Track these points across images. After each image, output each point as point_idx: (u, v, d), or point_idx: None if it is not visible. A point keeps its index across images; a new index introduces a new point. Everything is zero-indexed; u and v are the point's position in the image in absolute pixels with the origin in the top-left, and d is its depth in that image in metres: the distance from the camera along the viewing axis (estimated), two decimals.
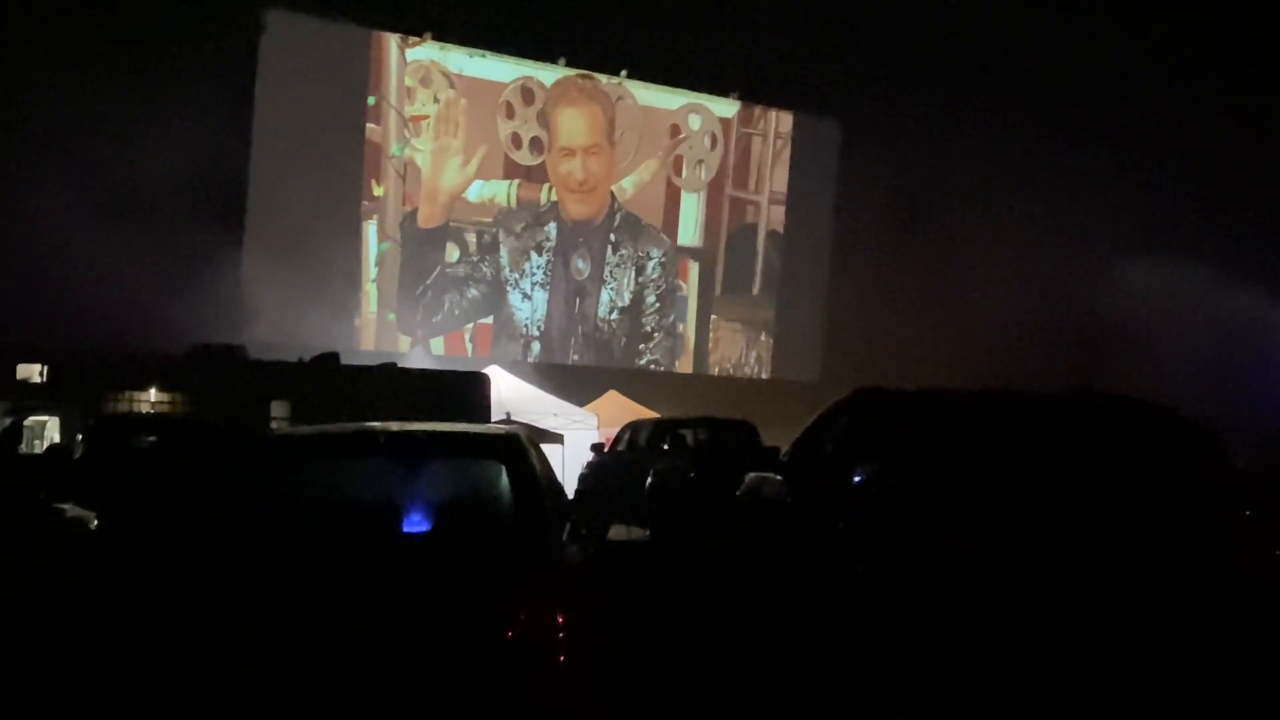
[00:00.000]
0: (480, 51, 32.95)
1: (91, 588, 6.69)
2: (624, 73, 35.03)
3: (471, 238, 33.25)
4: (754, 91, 37.11)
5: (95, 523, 9.43)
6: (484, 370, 24.66)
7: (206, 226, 26.26)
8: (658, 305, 36.34)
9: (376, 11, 31.41)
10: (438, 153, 32.49)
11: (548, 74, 34.27)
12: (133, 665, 5.12)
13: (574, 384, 29.78)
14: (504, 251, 33.54)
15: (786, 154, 38.46)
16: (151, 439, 14.27)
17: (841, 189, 37.63)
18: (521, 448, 6.49)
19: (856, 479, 7.83)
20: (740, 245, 38.18)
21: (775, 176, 38.41)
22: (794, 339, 38.48)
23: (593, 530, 13.94)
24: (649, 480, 15.84)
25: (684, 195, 37.09)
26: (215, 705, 4.97)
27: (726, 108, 37.42)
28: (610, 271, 35.37)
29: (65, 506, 9.61)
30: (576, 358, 34.86)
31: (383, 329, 32.21)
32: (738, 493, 9.98)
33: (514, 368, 28.93)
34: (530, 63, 33.90)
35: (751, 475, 9.86)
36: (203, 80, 26.23)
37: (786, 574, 8.20)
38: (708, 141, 37.21)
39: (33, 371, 19.38)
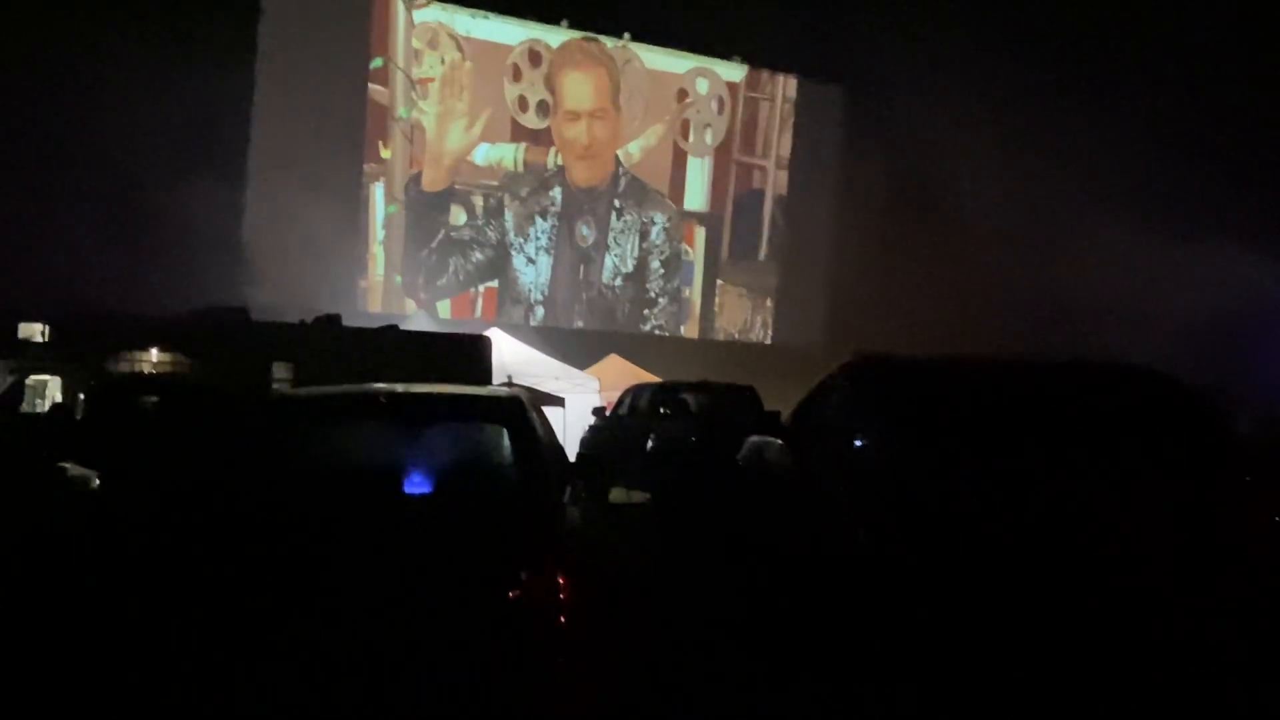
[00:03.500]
0: (484, 13, 32.79)
1: (93, 546, 6.72)
2: (627, 35, 34.85)
3: (478, 201, 33.16)
4: (760, 56, 36.93)
5: (97, 482, 9.45)
6: (486, 333, 24.63)
7: (210, 188, 26.17)
8: (663, 270, 36.27)
9: None
10: (443, 115, 32.37)
11: (554, 36, 34.11)
12: (134, 622, 5.13)
13: (576, 348, 29.75)
14: (509, 215, 33.47)
15: (794, 119, 38.32)
16: (154, 399, 14.27)
17: (847, 155, 37.48)
18: (523, 410, 6.50)
19: (857, 444, 7.83)
20: (747, 210, 38.06)
21: (782, 142, 38.28)
22: (797, 304, 38.39)
23: (594, 493, 13.99)
24: (650, 444, 15.88)
25: (690, 160, 36.95)
26: (218, 663, 4.99)
27: (734, 72, 37.23)
28: (615, 237, 35.28)
29: (67, 465, 9.62)
30: (580, 323, 34.82)
31: (389, 291, 32.18)
32: (738, 457, 10.00)
33: (516, 331, 28.90)
34: (536, 25, 33.72)
35: (752, 439, 9.87)
36: (205, 40, 26.14)
37: (786, 538, 8.22)
38: (715, 106, 37.05)
39: (34, 331, 19.34)
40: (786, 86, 38.13)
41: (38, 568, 7.14)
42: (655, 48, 35.55)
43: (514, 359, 25.12)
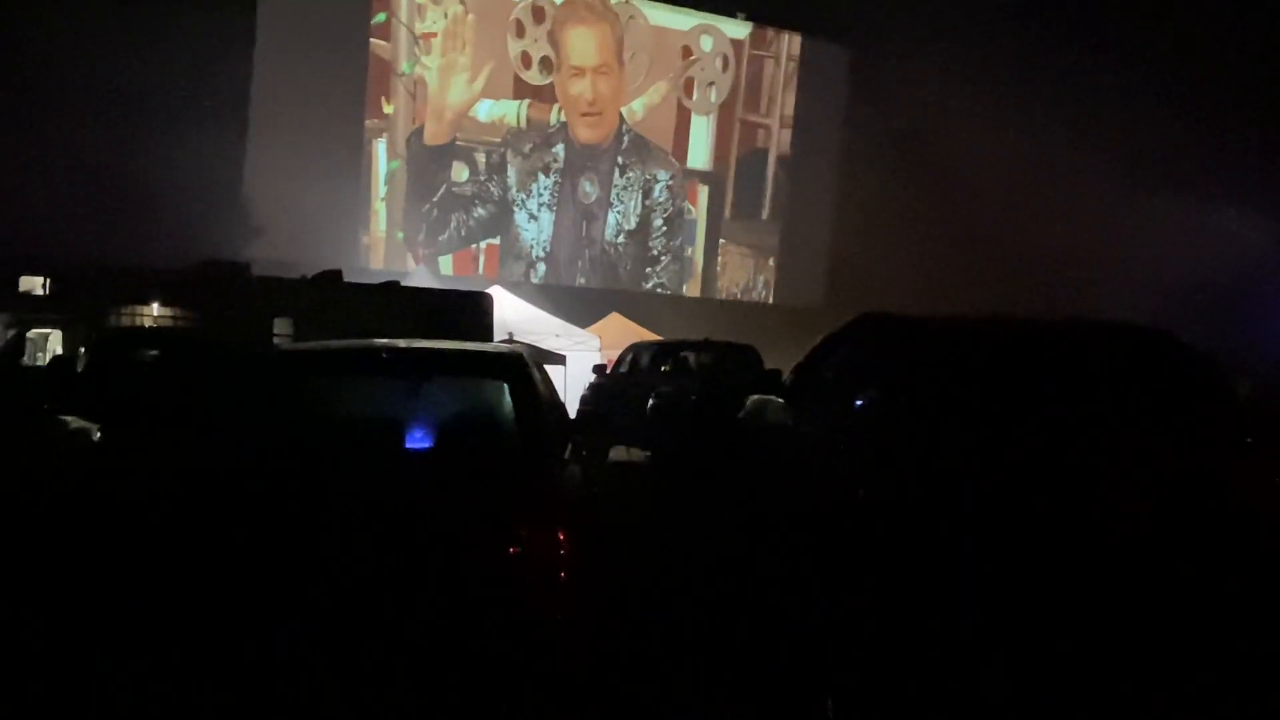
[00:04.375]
0: None
1: (95, 499, 6.73)
2: None
3: (480, 157, 33.09)
4: (764, 13, 36.76)
5: (98, 435, 9.45)
6: (487, 290, 24.61)
7: (212, 142, 26.11)
8: (665, 229, 36.22)
9: None
10: (445, 68, 32.25)
11: None
12: (136, 577, 5.14)
13: (577, 306, 29.77)
14: (511, 172, 33.40)
15: (798, 78, 38.18)
16: (155, 353, 14.27)
17: (850, 114, 37.38)
18: (525, 367, 6.49)
19: (858, 403, 7.83)
20: (750, 169, 37.99)
21: (786, 100, 38.15)
22: (799, 264, 38.39)
23: (594, 451, 14.00)
24: (650, 402, 15.87)
25: (694, 118, 36.86)
26: (222, 615, 5.01)
27: (738, 29, 37.07)
28: (618, 194, 35.22)
29: (69, 419, 9.63)
30: (582, 280, 34.80)
31: (391, 247, 32.16)
32: (739, 415, 9.99)
33: (517, 288, 28.92)
34: None
35: (753, 398, 9.86)
36: None
37: (787, 497, 8.23)
38: (719, 63, 36.91)
39: (35, 284, 19.35)
40: (791, 45, 37.99)
41: (38, 522, 7.15)
42: (659, 4, 35.42)
43: (515, 316, 25.13)
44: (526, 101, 33.54)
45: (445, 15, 32.16)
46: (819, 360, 8.89)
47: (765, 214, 38.46)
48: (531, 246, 34.10)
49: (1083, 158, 30.37)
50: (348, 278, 22.49)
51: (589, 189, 34.73)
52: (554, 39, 33.92)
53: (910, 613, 6.32)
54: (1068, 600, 6.06)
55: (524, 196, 33.74)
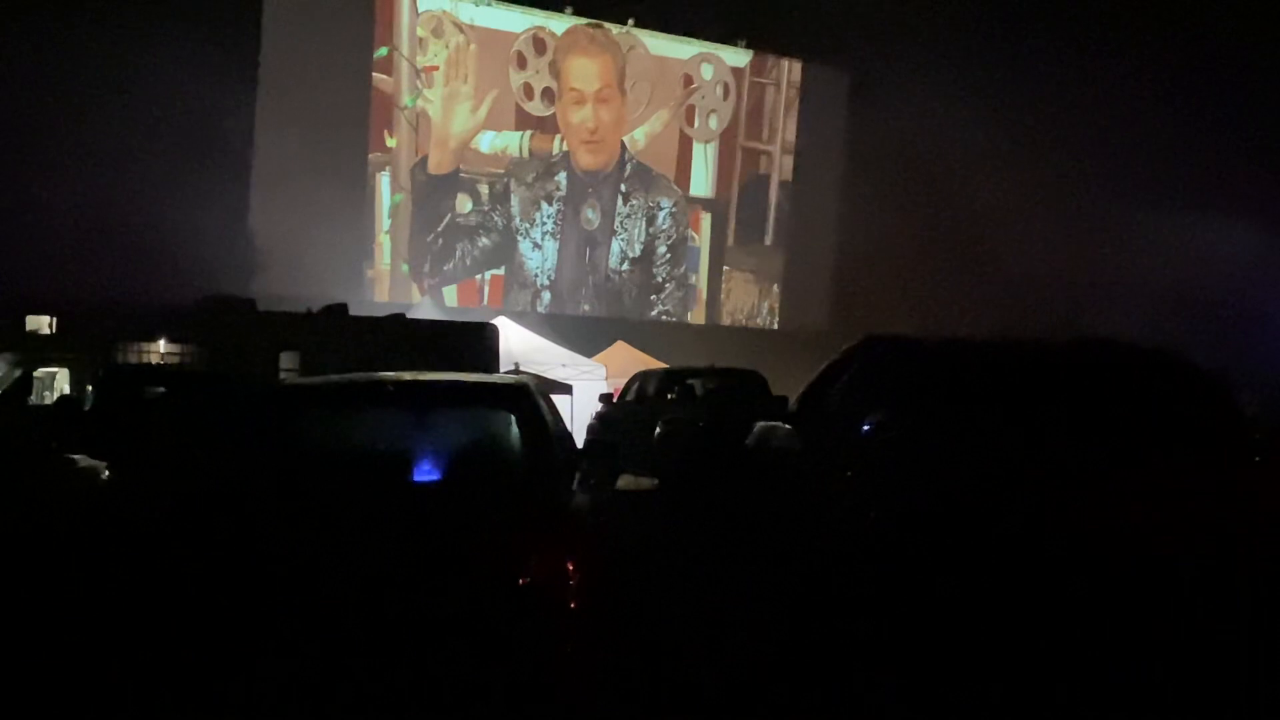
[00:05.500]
0: (487, 1, 32.75)
1: (103, 538, 6.72)
2: (631, 21, 34.79)
3: (483, 187, 33.16)
4: (764, 41, 36.86)
5: (106, 473, 9.46)
6: (492, 321, 24.64)
7: (216, 177, 26.21)
8: (669, 256, 36.26)
9: None
10: (448, 100, 32.35)
11: (558, 24, 34.06)
12: (145, 615, 5.14)
13: (583, 334, 29.79)
14: (515, 201, 33.46)
15: (799, 104, 38.27)
16: (161, 390, 14.31)
17: (851, 140, 37.44)
18: (531, 397, 6.51)
19: (865, 428, 7.83)
20: (752, 195, 38.03)
21: (787, 127, 38.25)
22: (803, 289, 38.38)
23: (601, 479, 13.97)
24: (657, 430, 15.87)
25: (696, 145, 36.92)
26: (230, 651, 5.00)
27: (739, 57, 37.18)
28: (621, 222, 35.26)
29: (76, 457, 9.63)
30: (586, 308, 34.81)
31: (396, 279, 32.21)
32: (747, 442, 9.99)
33: (522, 318, 28.95)
34: (539, 12, 33.69)
35: (760, 424, 9.86)
36: (211, 30, 26.13)
37: (796, 522, 8.22)
38: (720, 91, 37.00)
39: (42, 323, 19.40)
40: (791, 71, 38.09)
41: (46, 560, 7.15)
42: (660, 34, 35.50)
43: (521, 346, 25.16)
44: (529, 132, 33.63)
45: (447, 48, 32.29)
46: (825, 385, 8.90)
47: (768, 240, 38.49)
48: (536, 276, 34.13)
49: (1085, 177, 30.44)
50: (353, 311, 22.56)
51: (592, 218, 34.79)
52: (555, 70, 34.04)
53: (923, 632, 6.31)
54: (1078, 614, 6.05)
55: (528, 226, 33.80)
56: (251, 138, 29.24)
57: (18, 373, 16.80)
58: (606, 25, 34.68)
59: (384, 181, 31.93)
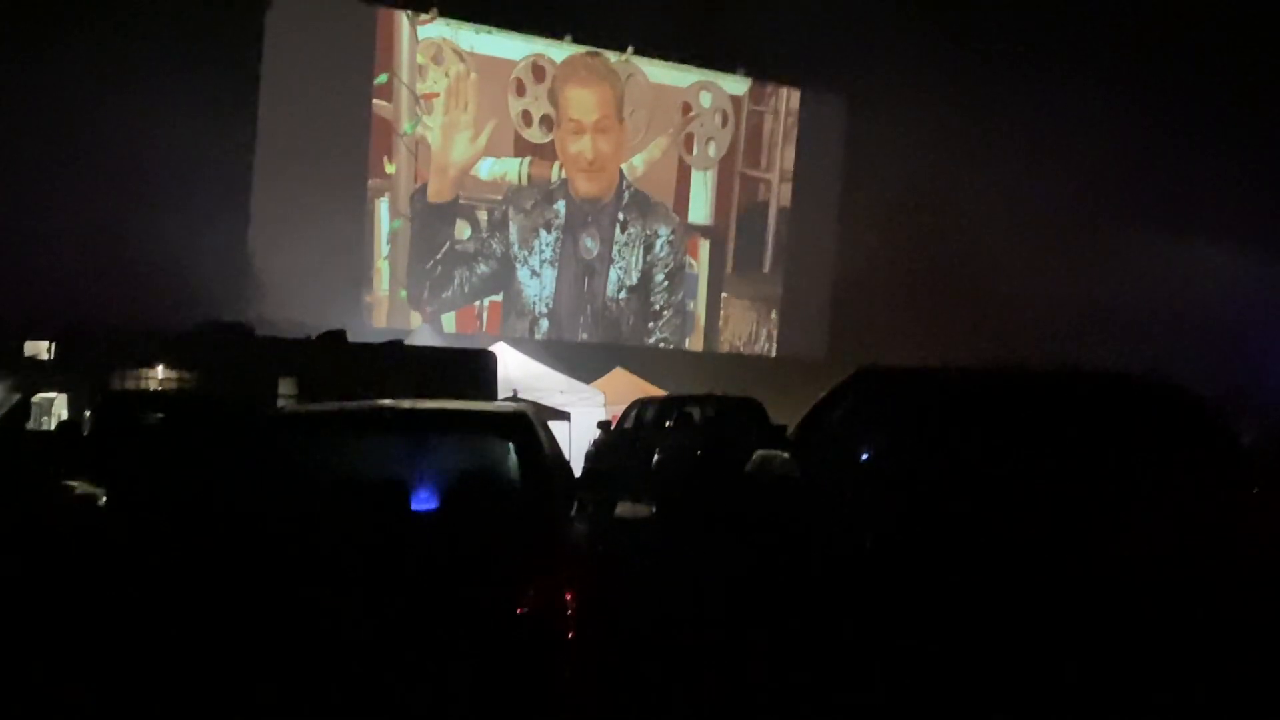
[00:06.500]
0: (488, 28, 32.88)
1: (101, 564, 6.72)
2: (630, 49, 34.89)
3: (482, 215, 33.19)
4: (762, 69, 36.97)
5: (104, 499, 9.46)
6: (490, 348, 24.64)
7: (215, 203, 26.27)
8: (667, 283, 36.27)
9: None
10: (447, 127, 32.43)
11: (558, 51, 34.15)
12: (143, 640, 5.14)
13: (581, 361, 29.79)
14: (513, 229, 33.49)
15: (797, 132, 38.35)
16: (160, 416, 14.30)
17: (850, 167, 37.52)
18: (529, 425, 6.51)
19: (863, 456, 7.84)
20: (751, 223, 38.05)
21: (785, 154, 38.32)
22: (802, 317, 38.38)
23: (600, 507, 13.98)
24: (655, 457, 15.88)
25: (694, 173, 36.97)
26: (226, 680, 5.00)
27: (737, 85, 37.28)
28: (619, 250, 35.28)
29: (74, 483, 9.63)
30: (585, 336, 34.81)
31: (394, 306, 32.23)
32: (745, 469, 9.99)
33: (521, 345, 28.94)
34: (538, 39, 33.79)
35: (759, 452, 9.87)
36: (210, 57, 26.22)
37: (794, 550, 8.22)
38: (719, 119, 37.08)
39: (40, 349, 19.39)
40: (789, 99, 38.18)
41: (44, 585, 7.14)
42: (658, 61, 35.59)
43: (519, 373, 25.15)
44: (528, 159, 33.69)
45: (447, 75, 32.39)
46: (823, 413, 8.92)
47: (767, 267, 38.51)
48: (534, 303, 34.14)
49: (1083, 204, 30.50)
50: (351, 337, 22.55)
51: (590, 245, 34.82)
52: (554, 97, 34.11)
53: (919, 659, 6.31)
54: (1074, 646, 6.05)
55: (526, 253, 33.83)
56: (251, 163, 29.31)
57: (16, 398, 16.80)
58: (605, 53, 34.78)
59: (383, 207, 31.98)
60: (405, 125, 32.02)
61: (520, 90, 33.58)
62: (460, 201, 32.73)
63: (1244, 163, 27.80)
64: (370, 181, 31.78)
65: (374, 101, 31.71)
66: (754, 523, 9.36)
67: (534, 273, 34.01)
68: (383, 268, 32.17)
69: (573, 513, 6.30)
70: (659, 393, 23.26)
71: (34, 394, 17.37)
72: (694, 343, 37.13)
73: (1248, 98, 27.73)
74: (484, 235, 33.22)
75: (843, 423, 8.55)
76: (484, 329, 32.71)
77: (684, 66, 36.13)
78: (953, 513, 6.50)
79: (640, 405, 19.53)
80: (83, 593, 6.30)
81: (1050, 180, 30.60)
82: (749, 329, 38.39)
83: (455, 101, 32.49)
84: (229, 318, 21.78)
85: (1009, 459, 6.71)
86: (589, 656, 5.25)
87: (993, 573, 6.22)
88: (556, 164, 34.16)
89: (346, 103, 31.15)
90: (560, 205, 34.25)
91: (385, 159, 31.90)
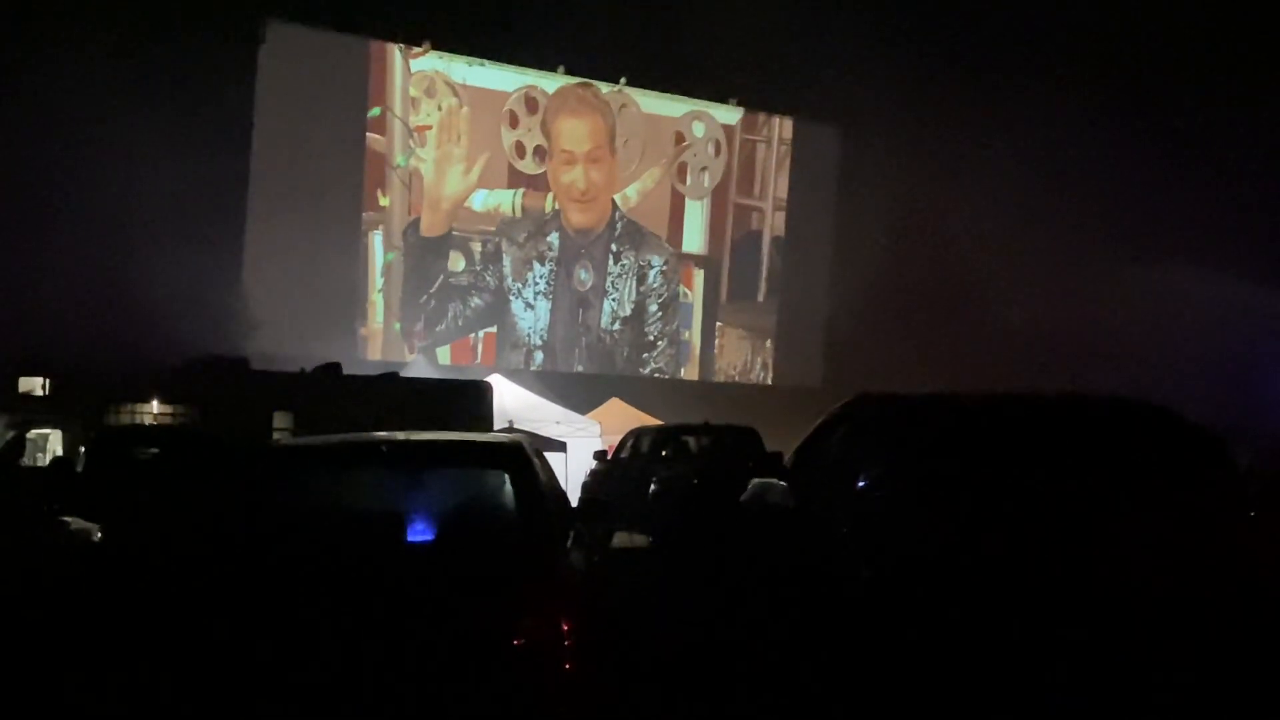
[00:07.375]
0: (480, 60, 32.99)
1: (96, 600, 6.70)
2: (623, 80, 35.01)
3: (476, 247, 33.23)
4: (755, 98, 37.10)
5: (99, 535, 9.42)
6: (486, 379, 24.63)
7: (209, 237, 26.28)
8: (661, 313, 36.28)
9: (372, 20, 31.31)
10: (441, 161, 32.51)
11: (550, 83, 34.25)
12: (138, 676, 5.12)
13: (576, 392, 29.79)
14: (507, 260, 33.53)
15: (790, 161, 38.44)
16: (155, 451, 14.25)
17: (843, 195, 37.60)
18: (525, 456, 6.50)
19: (860, 484, 7.83)
20: (745, 252, 38.11)
21: (779, 183, 38.41)
22: (797, 344, 38.41)
23: (596, 538, 13.93)
24: (652, 487, 15.84)
25: (688, 202, 37.03)
26: (220, 714, 4.98)
27: (730, 114, 37.39)
28: (613, 280, 35.31)
29: (69, 520, 9.59)
30: (580, 367, 34.81)
31: (389, 338, 32.22)
32: (742, 499, 9.98)
33: (516, 376, 28.93)
34: (531, 71, 33.88)
35: (755, 481, 9.85)
36: (204, 92, 26.29)
37: (791, 579, 8.20)
38: (711, 149, 37.17)
39: (35, 384, 19.36)
40: (782, 128, 38.29)
41: (40, 622, 7.11)
42: (651, 92, 35.70)
43: (515, 404, 25.14)
44: (521, 191, 33.75)
45: (440, 108, 32.48)
46: (819, 441, 8.91)
47: (761, 296, 38.55)
48: (528, 335, 34.16)
49: (1078, 233, 30.54)
50: (346, 370, 22.54)
51: (584, 276, 34.85)
52: (547, 129, 34.19)
53: (918, 688, 6.29)
54: (1071, 673, 6.04)
55: (520, 285, 33.86)
56: (245, 196, 29.32)
57: (11, 434, 16.76)
58: (597, 84, 34.89)
59: (377, 240, 32.02)
60: (399, 158, 32.09)
61: (513, 122, 33.66)
62: (454, 234, 32.79)
63: (1237, 191, 27.91)
64: (364, 214, 31.83)
65: (367, 135, 31.80)
66: (751, 552, 9.34)
67: (528, 305, 34.03)
68: (377, 300, 32.18)
69: (569, 543, 6.27)
70: (655, 422, 23.24)
71: (28, 430, 17.32)
72: (689, 372, 37.13)
73: (1248, 125, 27.81)
74: (478, 268, 33.26)
75: (838, 450, 8.54)
76: (479, 361, 32.71)
77: (676, 96, 36.25)
78: (950, 540, 6.49)
79: (636, 435, 19.52)
80: (79, 628, 6.28)
81: (1044, 207, 30.67)
82: (744, 357, 38.40)
83: (448, 134, 32.57)
84: (223, 352, 21.77)
85: (1007, 485, 6.70)
86: (586, 687, 5.23)
87: (992, 599, 6.20)
88: (550, 195, 34.22)
89: (340, 136, 31.22)
90: (554, 236, 34.29)
91: (379, 192, 31.95)
